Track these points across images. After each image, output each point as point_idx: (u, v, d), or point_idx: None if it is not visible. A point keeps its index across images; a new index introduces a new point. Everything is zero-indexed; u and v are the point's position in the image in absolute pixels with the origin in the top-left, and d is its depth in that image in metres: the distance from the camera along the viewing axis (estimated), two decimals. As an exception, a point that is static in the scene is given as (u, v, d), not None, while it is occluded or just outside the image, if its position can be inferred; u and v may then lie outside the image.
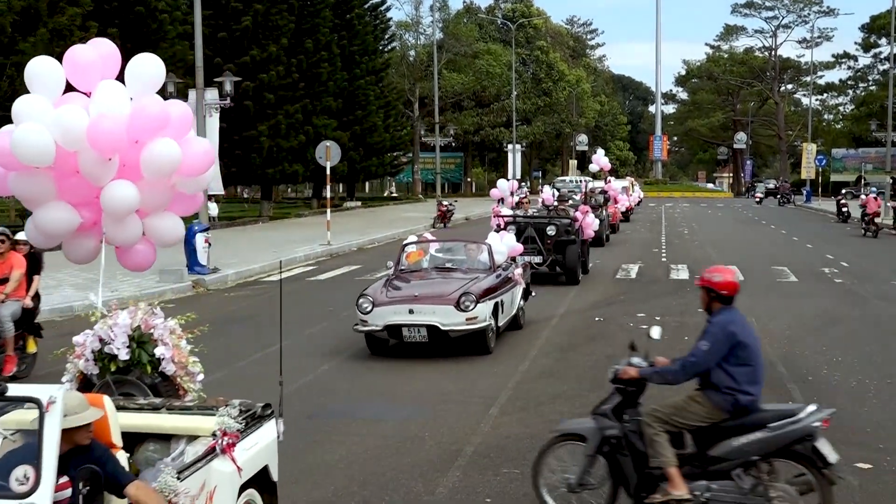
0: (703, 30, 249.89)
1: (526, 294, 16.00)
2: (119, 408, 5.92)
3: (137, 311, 7.32)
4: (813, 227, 44.15)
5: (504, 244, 15.86)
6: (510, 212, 23.74)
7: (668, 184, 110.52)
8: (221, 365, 12.62)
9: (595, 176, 45.19)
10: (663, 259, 27.68)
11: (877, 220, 37.53)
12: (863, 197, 40.80)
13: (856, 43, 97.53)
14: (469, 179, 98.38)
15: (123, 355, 7.04)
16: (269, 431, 6.42)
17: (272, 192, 53.15)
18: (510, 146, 69.72)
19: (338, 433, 9.59)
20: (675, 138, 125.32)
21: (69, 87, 7.26)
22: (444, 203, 45.46)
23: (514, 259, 16.45)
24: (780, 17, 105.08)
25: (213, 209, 37.49)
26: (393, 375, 12.24)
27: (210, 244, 22.61)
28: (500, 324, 14.01)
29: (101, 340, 7.13)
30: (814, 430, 6.63)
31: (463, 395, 11.12)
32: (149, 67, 7.40)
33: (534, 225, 22.17)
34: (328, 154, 31.31)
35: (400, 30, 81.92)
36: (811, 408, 6.75)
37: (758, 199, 74.28)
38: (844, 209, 47.23)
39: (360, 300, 13.23)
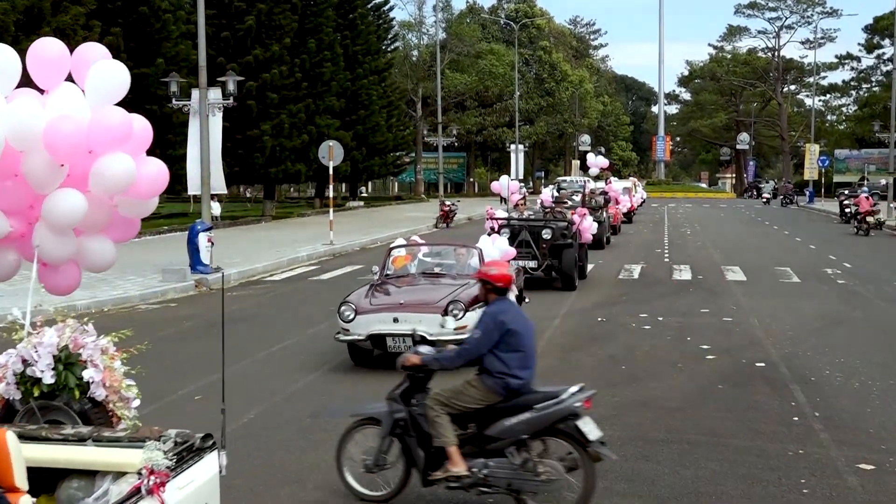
0: (706, 30, 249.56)
1: (519, 300, 14.96)
2: (41, 438, 5.38)
3: (65, 329, 6.51)
4: (816, 227, 44.12)
5: (496, 248, 15.29)
6: (504, 213, 22.69)
7: (670, 184, 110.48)
8: (225, 364, 12.65)
9: (598, 177, 44.88)
10: (666, 259, 27.66)
11: (868, 218, 38.73)
12: (859, 196, 41.93)
13: (859, 44, 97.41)
14: (472, 179, 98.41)
15: (48, 378, 6.26)
16: (209, 466, 5.55)
17: (275, 192, 53.20)
18: (513, 146, 69.84)
19: (338, 433, 9.56)
20: (678, 139, 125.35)
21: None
22: (447, 203, 45.48)
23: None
24: (784, 18, 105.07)
25: (216, 209, 37.54)
26: (396, 375, 12.20)
27: (213, 243, 22.64)
28: None
29: (23, 361, 6.37)
30: (575, 409, 7.11)
31: (465, 394, 11.11)
32: (113, 75, 6.82)
33: (528, 228, 21.16)
34: (331, 154, 31.32)
35: (403, 30, 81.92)
36: (573, 389, 7.25)
37: (765, 199, 74.12)
38: (847, 210, 47.29)
39: (342, 308, 12.47)
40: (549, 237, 20.68)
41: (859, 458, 8.70)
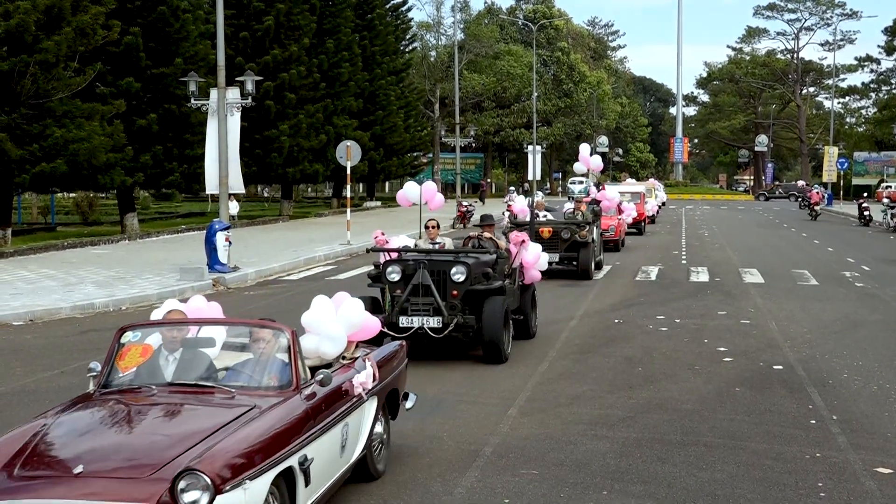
0: (724, 32, 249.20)
1: (392, 406, 8.69)
2: None
3: None
4: (834, 230, 43.95)
5: (340, 321, 8.03)
6: (409, 242, 15.09)
7: (688, 186, 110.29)
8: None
9: (615, 178, 44.36)
10: (683, 261, 27.59)
11: (816, 207, 52.53)
12: (812, 191, 57.89)
13: (878, 46, 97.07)
14: (489, 180, 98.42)
15: None
16: None
17: (292, 192, 53.32)
18: (530, 147, 69.83)
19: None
20: (696, 140, 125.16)
21: None
22: (464, 204, 45.53)
23: (371, 342, 8.91)
24: (803, 20, 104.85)
25: (234, 208, 37.70)
26: (411, 375, 12.20)
27: (230, 243, 22.71)
28: None
29: None
30: None
31: (482, 395, 11.12)
32: None
33: (429, 265, 13.04)
34: (349, 154, 31.36)
35: (421, 30, 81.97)
36: None
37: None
38: (866, 213, 47.21)
39: None
40: (461, 279, 12.89)
41: (877, 461, 8.66)
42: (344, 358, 7.97)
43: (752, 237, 38.85)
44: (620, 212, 32.46)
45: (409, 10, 71.72)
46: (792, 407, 10.62)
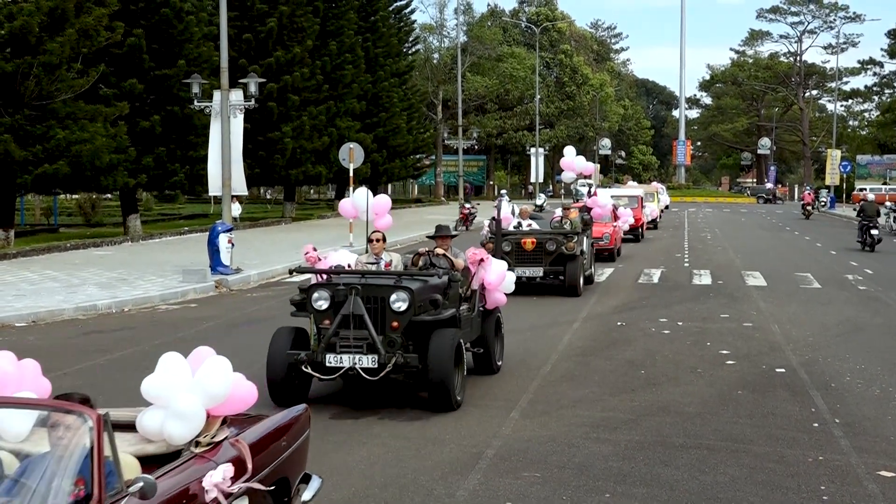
0: (727, 34, 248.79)
1: (281, 499, 5.98)
2: None
3: None
4: (836, 233, 43.90)
5: (196, 391, 5.39)
6: (350, 258, 12.33)
7: (690, 188, 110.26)
8: (243, 366, 12.66)
9: (617, 181, 44.24)
10: (686, 264, 27.58)
11: (808, 207, 56.63)
12: (805, 192, 61.66)
13: (882, 49, 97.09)
14: (491, 182, 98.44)
15: None
16: None
17: (295, 194, 53.34)
18: (533, 150, 69.89)
19: (358, 434, 9.58)
20: (699, 143, 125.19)
21: None
22: (467, 206, 45.52)
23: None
24: (806, 23, 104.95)
25: (236, 210, 37.70)
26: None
27: (233, 244, 22.72)
28: None
29: None
30: None
31: (484, 397, 11.11)
32: None
33: (363, 290, 10.41)
34: (351, 156, 31.37)
35: (424, 32, 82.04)
36: None
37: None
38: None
39: None
40: (403, 307, 10.35)
41: (879, 465, 8.65)
42: (198, 444, 5.34)
43: (755, 240, 38.83)
44: (616, 218, 29.79)
45: (413, 12, 71.93)
46: (794, 410, 10.61)
